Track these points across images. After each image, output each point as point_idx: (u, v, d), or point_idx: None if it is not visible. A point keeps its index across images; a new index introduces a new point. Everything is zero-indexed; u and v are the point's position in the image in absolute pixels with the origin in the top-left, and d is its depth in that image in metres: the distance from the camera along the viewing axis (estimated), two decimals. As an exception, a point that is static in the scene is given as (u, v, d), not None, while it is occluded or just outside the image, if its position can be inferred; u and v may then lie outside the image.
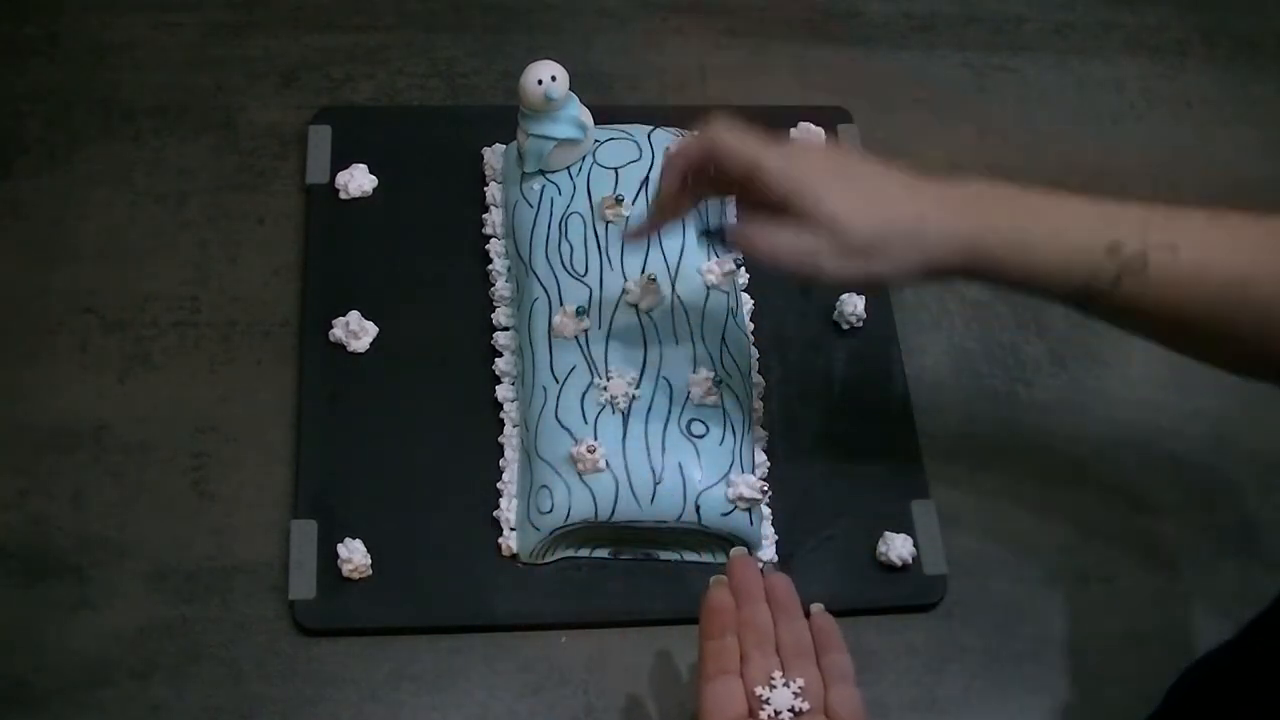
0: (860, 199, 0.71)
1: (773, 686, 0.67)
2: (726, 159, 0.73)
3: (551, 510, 0.79)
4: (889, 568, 0.84)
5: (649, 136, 0.89)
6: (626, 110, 0.94)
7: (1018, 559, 0.87)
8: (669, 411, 0.80)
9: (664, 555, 0.82)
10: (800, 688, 0.67)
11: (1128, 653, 0.84)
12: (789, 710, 0.66)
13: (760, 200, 0.72)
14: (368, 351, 0.87)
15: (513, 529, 0.82)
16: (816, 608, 0.72)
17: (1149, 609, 0.85)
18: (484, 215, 0.92)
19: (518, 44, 1.01)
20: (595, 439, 0.78)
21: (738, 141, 0.73)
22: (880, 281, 0.79)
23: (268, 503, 0.82)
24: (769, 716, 0.66)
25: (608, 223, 0.85)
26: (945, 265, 0.71)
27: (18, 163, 0.93)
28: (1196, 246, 0.69)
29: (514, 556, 0.81)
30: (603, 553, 0.82)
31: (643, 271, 0.83)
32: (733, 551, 0.77)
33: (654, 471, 0.79)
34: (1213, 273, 0.69)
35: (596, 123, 0.87)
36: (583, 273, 0.84)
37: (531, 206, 0.87)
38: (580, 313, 0.82)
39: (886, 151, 0.98)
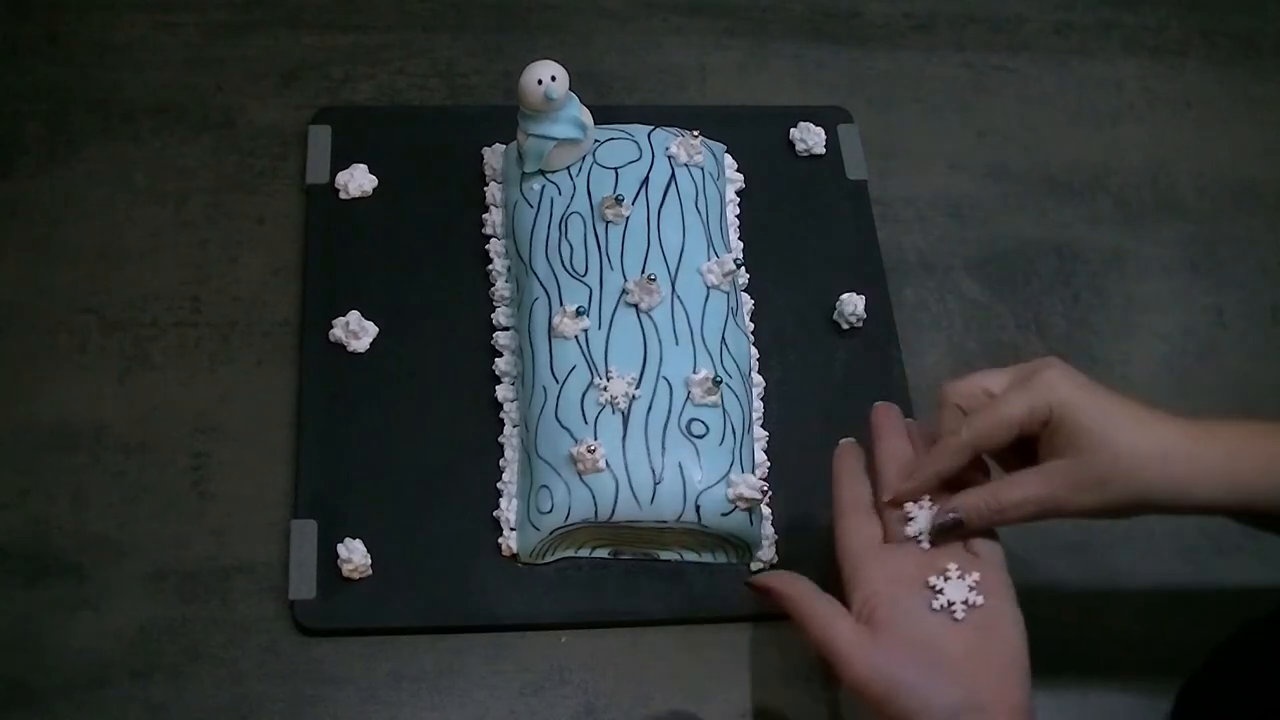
0: (1138, 430, 0.68)
1: (946, 578, 0.67)
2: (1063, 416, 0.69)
3: (551, 510, 0.79)
4: (889, 568, 0.84)
5: (649, 136, 0.89)
6: (626, 110, 0.95)
7: (1017, 559, 0.86)
8: (669, 411, 0.80)
9: (664, 555, 0.82)
10: (975, 581, 0.68)
11: (1128, 653, 0.84)
12: (962, 603, 0.67)
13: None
14: (368, 351, 0.87)
15: (513, 529, 0.82)
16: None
17: (1149, 609, 0.85)
18: (484, 215, 0.92)
19: (518, 44, 1.01)
20: (595, 439, 0.78)
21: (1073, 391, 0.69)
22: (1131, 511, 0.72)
23: (268, 503, 0.82)
24: (940, 607, 0.67)
25: (608, 223, 0.85)
26: (1213, 507, 0.69)
27: (18, 163, 0.93)
28: None
29: (514, 556, 0.81)
30: (603, 553, 0.82)
31: (643, 271, 0.83)
32: (878, 404, 0.77)
33: (654, 471, 0.79)
34: None
35: (596, 123, 0.87)
36: (583, 273, 0.84)
37: (531, 206, 0.87)
38: (580, 313, 0.82)
39: (887, 151, 1.00)
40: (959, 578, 0.68)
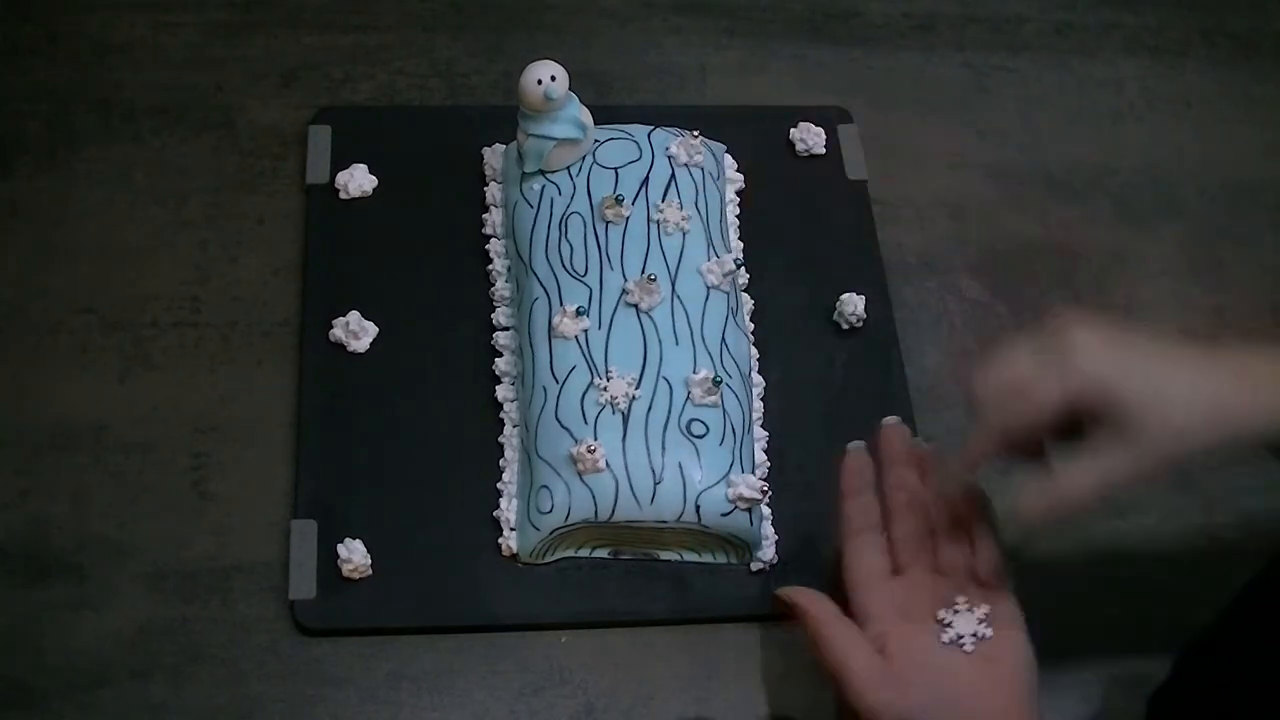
0: (1172, 388, 0.66)
1: (956, 611, 0.68)
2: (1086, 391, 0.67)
3: (551, 510, 0.79)
4: (889, 568, 0.84)
5: (649, 136, 0.89)
6: (626, 110, 0.94)
7: (1017, 559, 0.87)
8: (669, 411, 0.80)
9: (664, 555, 0.82)
10: (985, 614, 0.68)
11: (1128, 652, 0.84)
12: (971, 635, 0.67)
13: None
14: (368, 351, 0.87)
15: (513, 529, 0.82)
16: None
17: (1149, 608, 0.85)
18: (484, 215, 0.92)
19: (518, 44, 1.01)
20: (595, 439, 0.78)
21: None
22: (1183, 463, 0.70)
23: (268, 503, 0.82)
24: (950, 640, 0.68)
25: (608, 223, 0.85)
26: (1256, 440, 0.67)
27: (18, 163, 0.93)
28: None
29: (514, 556, 0.81)
30: (603, 553, 0.82)
31: (643, 271, 0.83)
32: (886, 420, 0.76)
33: (654, 471, 0.79)
34: None
35: (596, 123, 0.87)
36: (583, 273, 0.84)
37: (531, 206, 0.87)
38: (580, 313, 0.82)
39: (887, 151, 1.00)
40: (968, 610, 0.69)
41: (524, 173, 0.88)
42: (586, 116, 0.86)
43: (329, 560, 0.80)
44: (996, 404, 0.70)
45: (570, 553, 0.82)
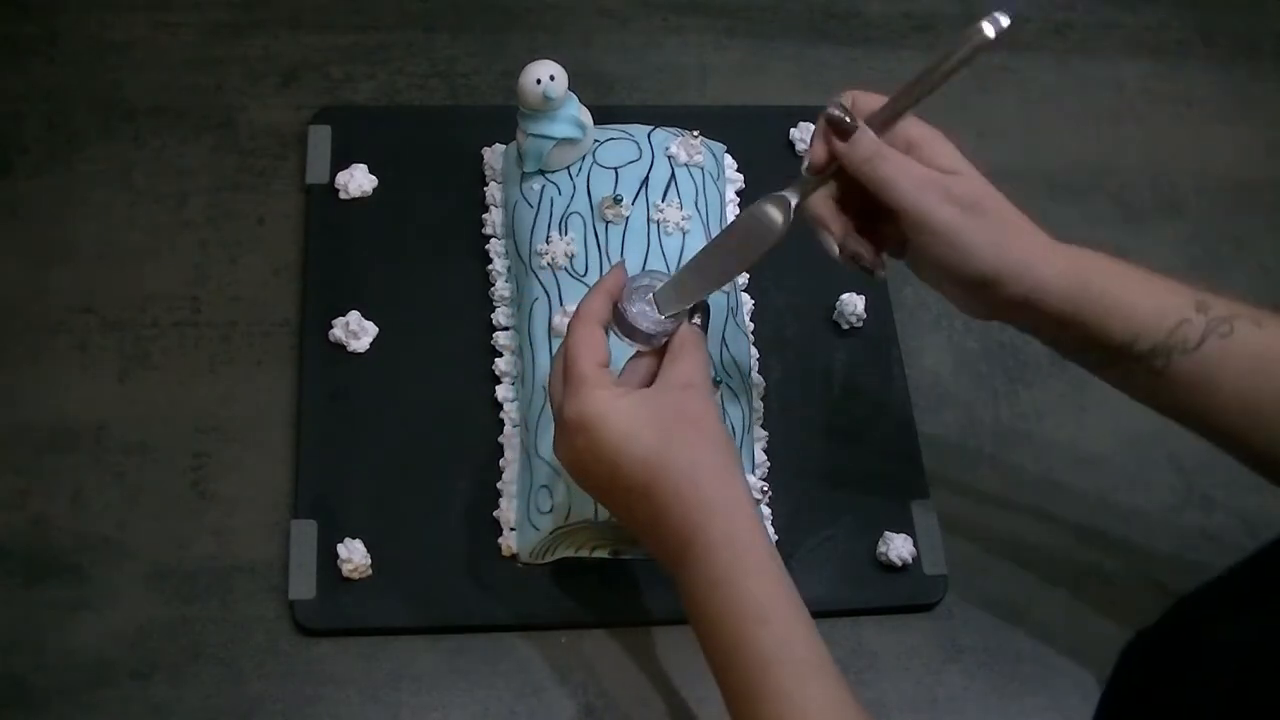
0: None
1: None
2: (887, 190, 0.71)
3: (551, 510, 0.79)
4: (889, 568, 0.84)
5: (649, 136, 0.89)
6: (626, 110, 0.94)
7: (1018, 559, 0.87)
8: (669, 411, 0.80)
9: (664, 555, 0.82)
10: None
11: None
12: None
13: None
14: (368, 351, 0.87)
15: (513, 529, 0.82)
16: None
17: (1149, 609, 0.85)
18: (484, 215, 0.92)
19: (518, 44, 1.01)
20: (595, 439, 0.78)
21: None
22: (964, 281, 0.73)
23: (268, 503, 0.82)
24: None
25: (608, 223, 0.85)
26: (1045, 292, 0.71)
27: (18, 163, 0.93)
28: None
29: (514, 556, 0.81)
30: (603, 553, 0.82)
31: (643, 271, 0.83)
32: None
33: (654, 471, 0.78)
34: None
35: (596, 123, 0.87)
36: (583, 273, 0.84)
37: (531, 206, 0.87)
38: (580, 313, 0.82)
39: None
40: None
41: (524, 172, 0.88)
42: (586, 116, 0.86)
43: (329, 560, 0.80)
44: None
45: (570, 553, 0.81)
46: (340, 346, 0.87)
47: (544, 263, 0.84)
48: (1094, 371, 0.75)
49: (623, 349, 0.72)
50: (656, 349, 0.72)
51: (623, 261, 0.79)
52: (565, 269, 0.84)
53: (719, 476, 0.68)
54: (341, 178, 0.92)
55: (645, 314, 0.71)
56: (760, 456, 0.85)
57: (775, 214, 0.72)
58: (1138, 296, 0.71)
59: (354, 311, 0.87)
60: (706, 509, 0.66)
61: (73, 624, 0.78)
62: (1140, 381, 0.72)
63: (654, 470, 0.67)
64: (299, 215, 0.92)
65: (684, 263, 0.83)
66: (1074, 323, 0.71)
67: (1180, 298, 0.71)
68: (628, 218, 0.85)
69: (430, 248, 0.91)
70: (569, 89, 0.84)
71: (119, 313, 0.88)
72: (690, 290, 0.72)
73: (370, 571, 0.80)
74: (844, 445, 0.88)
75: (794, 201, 0.73)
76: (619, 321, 0.71)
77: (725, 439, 0.69)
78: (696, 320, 0.72)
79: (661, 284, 0.72)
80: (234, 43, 0.99)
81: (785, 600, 0.66)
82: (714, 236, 0.80)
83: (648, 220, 0.85)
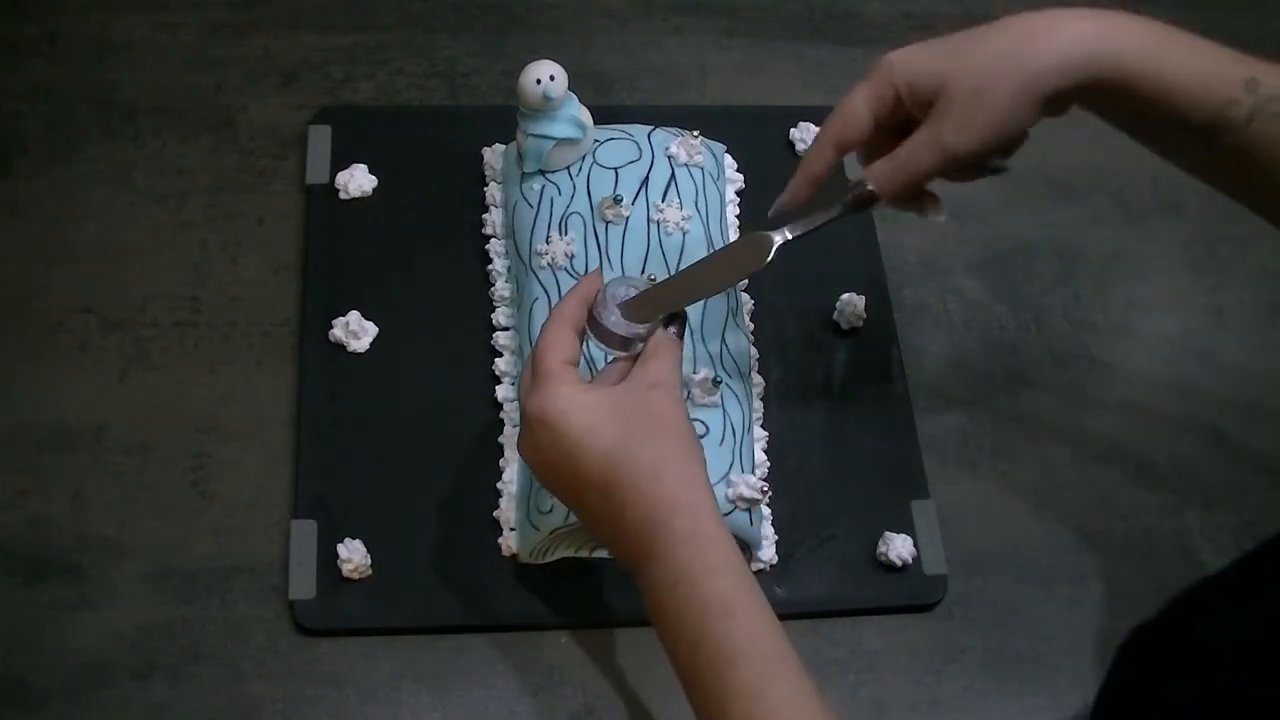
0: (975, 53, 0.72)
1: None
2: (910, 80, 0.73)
3: (551, 510, 0.78)
4: (889, 568, 0.84)
5: (649, 136, 0.89)
6: (626, 110, 0.94)
7: (1018, 559, 0.87)
8: (669, 411, 0.80)
9: (664, 555, 0.82)
10: None
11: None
12: None
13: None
14: (368, 351, 0.87)
15: (512, 529, 0.82)
16: None
17: (1149, 609, 0.85)
18: (484, 215, 0.92)
19: (518, 44, 1.01)
20: (595, 439, 0.78)
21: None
22: (1003, 125, 0.73)
23: (268, 503, 0.82)
24: None
25: (608, 223, 0.85)
26: (1065, 80, 0.70)
27: (18, 163, 0.92)
28: None
29: (514, 556, 0.81)
30: (603, 553, 0.82)
31: (643, 272, 0.83)
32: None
33: (654, 471, 0.78)
34: None
35: (596, 123, 0.87)
36: (583, 273, 0.84)
37: (531, 206, 0.87)
38: (580, 313, 0.82)
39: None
40: None
41: (524, 173, 0.88)
42: (586, 116, 0.86)
43: (329, 560, 0.80)
44: (825, 126, 0.75)
45: (570, 553, 0.81)
46: (340, 346, 0.87)
47: (544, 263, 0.84)
48: (1141, 142, 0.75)
49: (605, 361, 0.73)
50: (633, 356, 0.72)
51: (599, 269, 0.80)
52: (565, 269, 0.84)
53: (682, 473, 0.67)
54: (341, 178, 0.92)
55: (618, 320, 0.71)
56: (760, 456, 0.85)
57: (768, 247, 0.74)
58: (1175, 75, 0.69)
59: (354, 311, 0.87)
60: (669, 506, 0.66)
61: (73, 624, 0.78)
62: (1188, 155, 0.73)
63: (616, 465, 0.67)
64: (299, 215, 0.92)
65: (683, 264, 0.84)
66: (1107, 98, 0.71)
67: (1227, 72, 0.70)
68: (628, 218, 0.85)
69: (430, 248, 0.91)
70: (569, 89, 0.84)
71: (119, 313, 0.88)
72: (663, 301, 0.73)
73: (370, 571, 0.80)
74: (844, 445, 0.88)
75: (786, 240, 0.74)
76: (593, 326, 0.72)
77: (691, 438, 0.69)
78: (673, 330, 0.72)
79: (638, 292, 0.73)
80: (234, 43, 0.99)
81: (750, 595, 0.66)
82: (704, 255, 0.81)
83: (648, 220, 0.85)
